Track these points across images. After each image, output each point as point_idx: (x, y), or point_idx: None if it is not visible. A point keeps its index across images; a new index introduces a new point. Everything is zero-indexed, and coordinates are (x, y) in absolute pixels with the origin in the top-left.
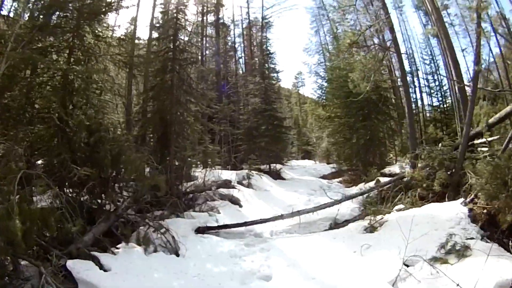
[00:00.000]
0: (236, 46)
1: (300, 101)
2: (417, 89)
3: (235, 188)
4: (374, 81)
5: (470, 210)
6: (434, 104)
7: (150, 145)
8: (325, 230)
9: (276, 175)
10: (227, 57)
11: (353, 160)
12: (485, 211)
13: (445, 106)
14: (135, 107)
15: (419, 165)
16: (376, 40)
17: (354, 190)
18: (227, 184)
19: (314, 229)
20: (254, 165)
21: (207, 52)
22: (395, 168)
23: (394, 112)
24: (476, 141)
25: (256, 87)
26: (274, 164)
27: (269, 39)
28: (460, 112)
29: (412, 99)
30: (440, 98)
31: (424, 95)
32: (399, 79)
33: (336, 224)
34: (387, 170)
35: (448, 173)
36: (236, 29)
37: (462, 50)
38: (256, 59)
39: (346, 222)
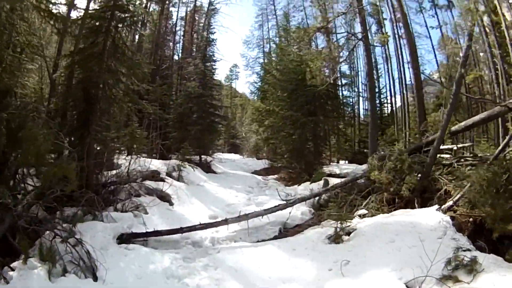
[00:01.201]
0: (177, 29)
1: (232, 94)
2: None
3: (164, 181)
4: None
5: (453, 218)
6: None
7: (72, 123)
8: (276, 236)
9: (207, 168)
10: (165, 39)
11: (292, 156)
12: (471, 219)
13: (382, 112)
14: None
15: (385, 167)
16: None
17: (298, 189)
18: (155, 176)
19: (263, 235)
20: (185, 155)
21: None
22: (333, 169)
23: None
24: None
25: (195, 70)
26: (205, 156)
27: (212, 26)
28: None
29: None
30: (378, 105)
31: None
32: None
33: (286, 230)
34: (326, 170)
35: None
36: (179, 11)
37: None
38: (196, 41)
39: (298, 227)
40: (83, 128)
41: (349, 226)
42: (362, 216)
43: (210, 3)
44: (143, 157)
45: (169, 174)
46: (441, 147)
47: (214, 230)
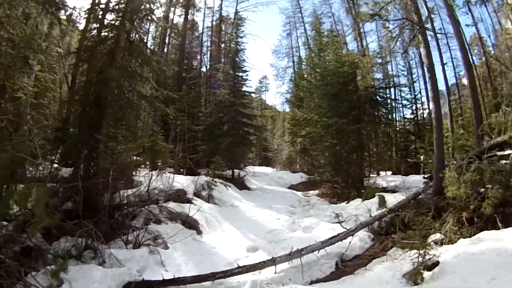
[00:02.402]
0: (203, 40)
1: (262, 106)
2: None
3: (192, 203)
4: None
5: None
6: (407, 116)
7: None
8: (333, 273)
9: (240, 184)
10: (192, 48)
11: (335, 169)
12: None
13: (418, 118)
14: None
15: (462, 180)
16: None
17: (348, 208)
18: (180, 196)
19: (317, 273)
20: (216, 171)
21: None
22: (378, 181)
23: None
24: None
25: (224, 78)
26: (237, 170)
27: (241, 35)
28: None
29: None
30: (414, 111)
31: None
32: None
33: (344, 262)
34: (371, 182)
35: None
36: (205, 21)
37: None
38: (224, 51)
39: (358, 258)
40: (90, 137)
41: (430, 258)
42: (439, 243)
43: (236, 12)
44: (168, 172)
45: (197, 194)
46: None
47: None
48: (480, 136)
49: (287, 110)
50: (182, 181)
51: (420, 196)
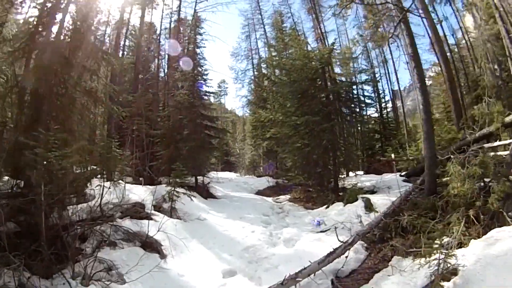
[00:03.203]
0: (161, 43)
1: (222, 110)
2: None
3: (151, 219)
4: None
5: None
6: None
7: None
8: None
9: (205, 192)
10: (149, 50)
11: (307, 171)
12: None
13: (383, 117)
14: None
15: (466, 174)
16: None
17: (331, 214)
18: (137, 210)
19: None
20: (178, 179)
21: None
22: (352, 182)
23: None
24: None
25: (183, 77)
26: (201, 177)
27: (200, 32)
28: None
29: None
30: (379, 109)
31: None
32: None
33: (340, 279)
34: (345, 183)
35: None
36: (163, 23)
37: None
38: (182, 53)
39: (356, 273)
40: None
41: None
42: (450, 246)
43: (195, 11)
44: (126, 182)
45: (158, 207)
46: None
47: None
48: (461, 128)
49: (247, 113)
50: (139, 192)
51: (410, 197)
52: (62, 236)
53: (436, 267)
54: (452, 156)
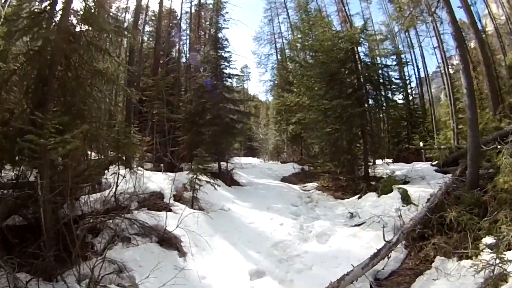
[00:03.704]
0: (182, 29)
1: (245, 95)
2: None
3: (170, 210)
4: None
5: None
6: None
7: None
8: None
9: (229, 179)
10: (169, 35)
11: (337, 158)
12: None
13: (410, 104)
14: None
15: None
16: None
17: (365, 205)
18: (155, 201)
19: None
20: (201, 165)
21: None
22: (382, 170)
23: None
24: None
25: (206, 60)
26: (224, 163)
27: (222, 13)
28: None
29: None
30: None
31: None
32: None
33: (379, 281)
34: (376, 172)
35: None
36: (183, 7)
37: None
38: (203, 38)
39: (396, 275)
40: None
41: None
42: (499, 248)
43: None
44: (145, 169)
45: (178, 197)
46: None
47: None
48: (501, 117)
49: (271, 98)
50: (159, 180)
51: (449, 190)
52: (69, 232)
53: (490, 273)
54: (499, 147)
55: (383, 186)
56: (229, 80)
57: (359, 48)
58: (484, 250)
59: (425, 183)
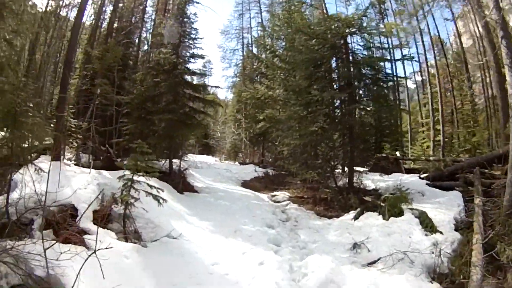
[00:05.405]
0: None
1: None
2: None
3: (81, 243)
4: None
5: None
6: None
7: None
8: None
9: (182, 183)
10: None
11: (319, 165)
12: None
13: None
14: None
15: None
16: None
17: (367, 230)
18: (64, 220)
19: None
20: (141, 162)
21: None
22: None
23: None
24: None
25: (168, 34)
26: (176, 161)
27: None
28: None
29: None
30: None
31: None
32: None
33: None
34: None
35: None
36: None
37: None
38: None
39: None
40: None
41: None
42: None
43: None
44: (73, 164)
45: (101, 214)
46: None
47: None
48: None
49: (232, 96)
50: (81, 183)
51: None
52: None
53: None
54: None
55: (390, 205)
56: (192, 60)
57: (354, 37)
58: None
59: (429, 201)
